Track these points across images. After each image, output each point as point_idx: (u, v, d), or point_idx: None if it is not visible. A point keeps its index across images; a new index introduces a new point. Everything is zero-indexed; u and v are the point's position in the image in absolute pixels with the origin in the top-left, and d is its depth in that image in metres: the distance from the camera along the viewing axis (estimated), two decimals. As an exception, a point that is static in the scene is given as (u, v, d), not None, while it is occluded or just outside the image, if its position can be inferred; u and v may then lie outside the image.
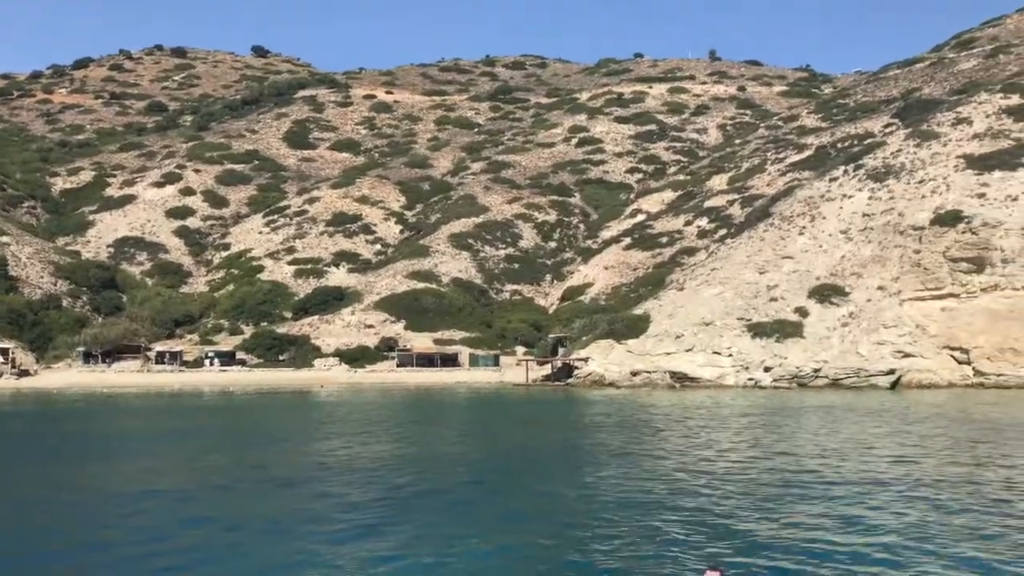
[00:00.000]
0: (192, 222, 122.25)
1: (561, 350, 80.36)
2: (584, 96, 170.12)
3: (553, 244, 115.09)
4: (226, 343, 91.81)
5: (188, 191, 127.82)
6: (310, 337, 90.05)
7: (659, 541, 14.85)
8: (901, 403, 49.09)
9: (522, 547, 14.50)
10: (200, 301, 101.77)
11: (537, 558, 13.81)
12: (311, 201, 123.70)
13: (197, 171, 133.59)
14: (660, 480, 21.61)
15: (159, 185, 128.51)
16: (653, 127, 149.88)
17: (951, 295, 67.50)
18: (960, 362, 64.81)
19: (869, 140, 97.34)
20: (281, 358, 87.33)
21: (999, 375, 62.14)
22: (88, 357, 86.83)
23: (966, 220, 69.33)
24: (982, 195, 71.58)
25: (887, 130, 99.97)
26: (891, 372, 63.71)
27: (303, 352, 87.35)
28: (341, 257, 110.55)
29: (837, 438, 30.93)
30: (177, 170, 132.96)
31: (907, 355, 64.95)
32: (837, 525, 15.94)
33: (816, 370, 65.03)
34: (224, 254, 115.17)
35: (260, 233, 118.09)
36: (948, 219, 70.08)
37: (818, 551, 13.90)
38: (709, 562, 12.62)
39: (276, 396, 64.12)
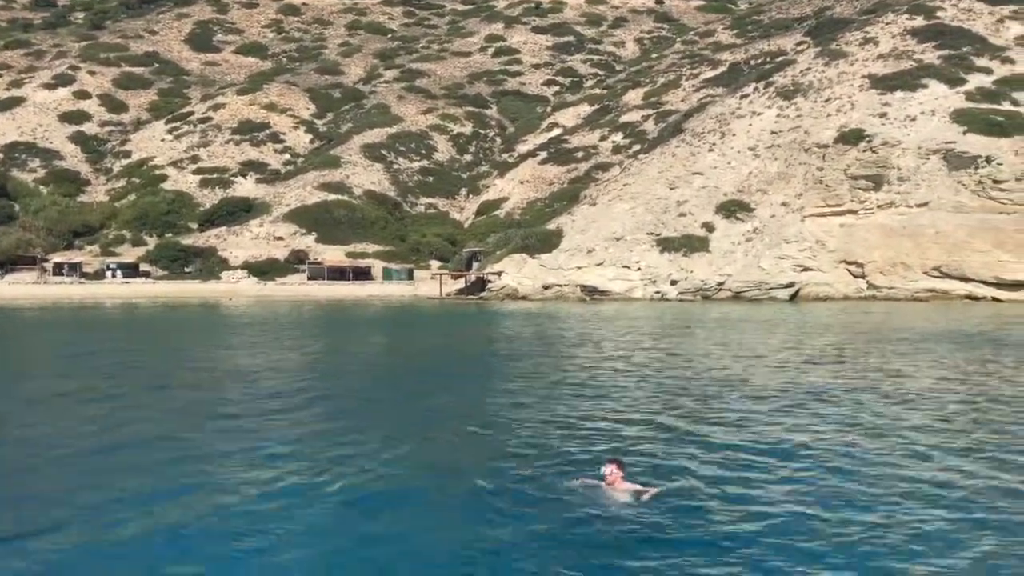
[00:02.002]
0: (89, 128, 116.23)
1: (475, 264, 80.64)
2: (501, 4, 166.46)
3: (469, 157, 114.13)
4: (129, 255, 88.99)
5: (83, 94, 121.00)
6: (217, 249, 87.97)
7: (558, 437, 15.37)
8: (797, 314, 51.35)
9: (417, 455, 14.79)
10: (100, 211, 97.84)
11: (431, 464, 14.14)
12: (216, 108, 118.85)
13: (92, 73, 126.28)
14: (563, 384, 22.24)
15: (50, 87, 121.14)
16: (571, 39, 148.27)
17: (850, 211, 70.10)
18: (855, 276, 67.85)
19: (781, 58, 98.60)
20: (187, 270, 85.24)
21: (890, 288, 65.43)
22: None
23: (867, 139, 71.56)
24: (883, 115, 73.79)
25: (798, 48, 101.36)
26: (790, 285, 66.33)
27: (210, 264, 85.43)
28: (248, 167, 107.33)
29: (733, 345, 32.31)
30: (70, 71, 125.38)
31: (806, 269, 67.63)
32: (731, 425, 16.76)
33: (720, 283, 67.17)
34: (124, 162, 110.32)
35: (162, 141, 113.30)
36: (851, 138, 72.18)
37: (713, 449, 14.63)
38: (607, 455, 13.10)
39: (184, 308, 62.71)
